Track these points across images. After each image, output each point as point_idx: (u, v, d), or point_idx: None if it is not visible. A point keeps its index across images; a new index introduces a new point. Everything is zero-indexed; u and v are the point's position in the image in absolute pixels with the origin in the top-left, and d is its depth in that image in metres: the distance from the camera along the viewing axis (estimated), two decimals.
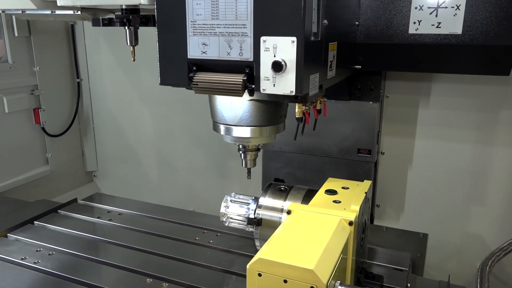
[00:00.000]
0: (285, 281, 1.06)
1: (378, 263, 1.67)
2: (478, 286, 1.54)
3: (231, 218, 1.60)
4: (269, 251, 1.12)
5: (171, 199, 2.86)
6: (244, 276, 1.13)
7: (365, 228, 1.51)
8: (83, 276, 1.55)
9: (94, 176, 3.24)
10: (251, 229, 1.58)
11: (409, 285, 1.59)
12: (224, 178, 2.83)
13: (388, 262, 1.67)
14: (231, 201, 1.62)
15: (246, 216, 1.56)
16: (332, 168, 2.25)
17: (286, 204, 1.51)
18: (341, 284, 1.12)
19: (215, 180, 2.85)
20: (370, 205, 1.58)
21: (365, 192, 1.47)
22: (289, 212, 1.36)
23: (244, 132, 1.44)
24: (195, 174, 2.91)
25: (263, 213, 1.54)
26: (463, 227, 2.29)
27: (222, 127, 1.47)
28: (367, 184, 1.55)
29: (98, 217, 2.03)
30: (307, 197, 1.51)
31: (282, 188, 1.58)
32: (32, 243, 1.79)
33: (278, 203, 1.54)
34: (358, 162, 2.21)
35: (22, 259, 1.66)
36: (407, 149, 2.32)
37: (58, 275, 1.57)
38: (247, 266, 1.10)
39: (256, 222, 1.52)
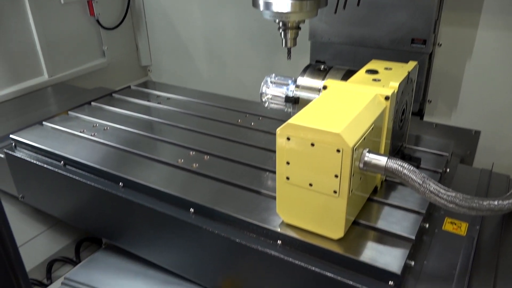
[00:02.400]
0: (313, 145, 1.08)
1: (419, 148, 1.65)
2: None
3: (270, 98, 1.62)
4: (298, 117, 1.14)
5: (221, 92, 2.92)
6: None
7: (405, 110, 1.48)
8: (133, 147, 1.69)
9: (149, 70, 3.35)
10: (289, 110, 1.60)
11: (448, 170, 1.57)
12: (272, 72, 2.81)
13: (430, 147, 1.65)
14: (270, 82, 1.63)
15: (285, 95, 1.56)
16: (383, 59, 2.15)
17: None
18: (369, 152, 1.13)
19: (263, 74, 2.84)
20: (414, 87, 1.53)
21: (408, 72, 1.41)
22: (325, 88, 1.35)
23: (283, 6, 1.40)
24: (244, 68, 2.92)
25: (300, 93, 1.54)
26: None
27: (261, 2, 1.43)
28: (411, 64, 1.48)
29: (148, 101, 2.14)
30: (346, 77, 1.48)
31: (321, 68, 1.55)
32: (89, 120, 1.95)
33: (316, 82, 1.52)
34: (411, 53, 2.08)
35: (80, 131, 1.82)
36: (467, 40, 2.14)
37: (111, 146, 1.72)
38: (277, 130, 1.13)
39: (293, 100, 1.53)
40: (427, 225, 1.31)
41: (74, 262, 2.13)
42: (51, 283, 2.11)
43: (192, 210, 1.38)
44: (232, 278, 1.38)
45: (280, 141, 1.13)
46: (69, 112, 2.03)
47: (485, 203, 1.17)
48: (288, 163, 1.15)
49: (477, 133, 2.26)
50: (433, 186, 1.09)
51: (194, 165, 1.56)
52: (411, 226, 1.24)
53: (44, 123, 1.92)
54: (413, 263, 1.17)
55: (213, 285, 1.46)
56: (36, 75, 2.58)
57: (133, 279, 1.65)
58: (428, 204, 1.34)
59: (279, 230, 1.24)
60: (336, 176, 1.08)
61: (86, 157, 1.62)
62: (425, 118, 2.38)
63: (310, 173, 1.12)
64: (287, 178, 1.17)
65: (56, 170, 1.63)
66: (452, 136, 2.29)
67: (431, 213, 1.40)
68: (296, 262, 1.18)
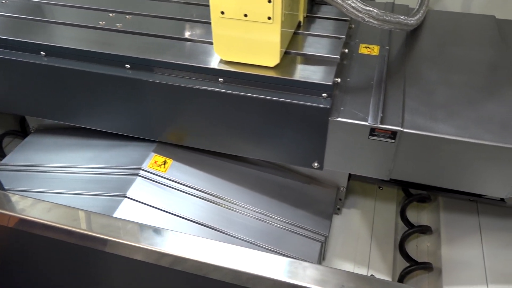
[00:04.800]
0: None
1: None
2: None
3: None
4: None
5: None
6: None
7: None
8: (43, 16, 1.58)
9: None
10: None
11: None
12: None
13: None
14: None
15: None
16: None
17: None
18: None
19: None
20: None
21: None
22: None
23: None
24: None
25: None
26: None
27: None
28: None
29: None
30: None
31: None
32: None
33: None
34: None
35: None
36: None
37: (17, 17, 1.58)
38: None
39: None
40: (346, 51, 1.48)
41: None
42: None
43: (128, 66, 1.38)
44: (179, 124, 1.46)
45: None
46: None
47: (394, 16, 1.34)
48: None
49: None
50: (354, 2, 1.21)
51: (118, 25, 1.51)
52: (335, 49, 1.39)
53: None
54: (339, 80, 1.34)
55: (160, 138, 1.54)
56: None
57: (76, 151, 1.66)
58: (346, 31, 1.49)
59: (219, 67, 1.32)
60: (269, 1, 1.15)
61: None
62: None
63: (244, 3, 1.17)
64: (222, 13, 1.21)
65: None
66: None
67: (348, 42, 1.56)
68: (240, 93, 1.29)
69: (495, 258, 1.48)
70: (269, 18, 1.18)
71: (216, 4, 1.20)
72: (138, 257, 0.98)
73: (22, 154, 1.72)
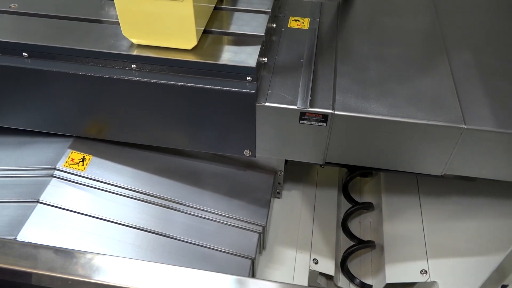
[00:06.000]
0: None
1: None
2: None
3: None
4: None
5: None
6: None
7: None
8: None
9: None
10: None
11: None
12: None
13: None
14: None
15: None
16: None
17: None
18: None
19: None
20: None
21: None
22: None
23: None
24: None
25: None
26: None
27: None
28: None
29: None
30: None
31: None
32: None
33: None
34: None
35: None
36: None
37: None
38: None
39: None
40: (274, 25, 1.36)
41: None
42: None
43: (25, 54, 1.21)
44: (95, 116, 1.31)
45: None
46: None
47: None
48: None
49: None
50: None
51: (12, 5, 1.31)
52: (259, 25, 1.27)
53: None
54: (266, 59, 1.23)
55: (76, 132, 1.38)
56: None
57: None
58: (272, 4, 1.37)
59: (130, 52, 1.17)
60: None
61: None
62: None
63: None
64: None
65: None
66: None
67: (276, 16, 1.45)
68: (156, 81, 1.16)
69: (434, 232, 1.47)
70: None
71: None
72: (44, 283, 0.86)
73: None
